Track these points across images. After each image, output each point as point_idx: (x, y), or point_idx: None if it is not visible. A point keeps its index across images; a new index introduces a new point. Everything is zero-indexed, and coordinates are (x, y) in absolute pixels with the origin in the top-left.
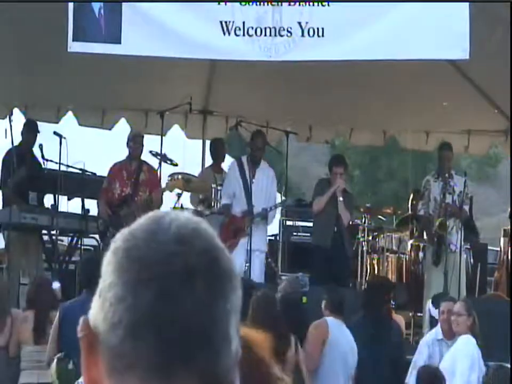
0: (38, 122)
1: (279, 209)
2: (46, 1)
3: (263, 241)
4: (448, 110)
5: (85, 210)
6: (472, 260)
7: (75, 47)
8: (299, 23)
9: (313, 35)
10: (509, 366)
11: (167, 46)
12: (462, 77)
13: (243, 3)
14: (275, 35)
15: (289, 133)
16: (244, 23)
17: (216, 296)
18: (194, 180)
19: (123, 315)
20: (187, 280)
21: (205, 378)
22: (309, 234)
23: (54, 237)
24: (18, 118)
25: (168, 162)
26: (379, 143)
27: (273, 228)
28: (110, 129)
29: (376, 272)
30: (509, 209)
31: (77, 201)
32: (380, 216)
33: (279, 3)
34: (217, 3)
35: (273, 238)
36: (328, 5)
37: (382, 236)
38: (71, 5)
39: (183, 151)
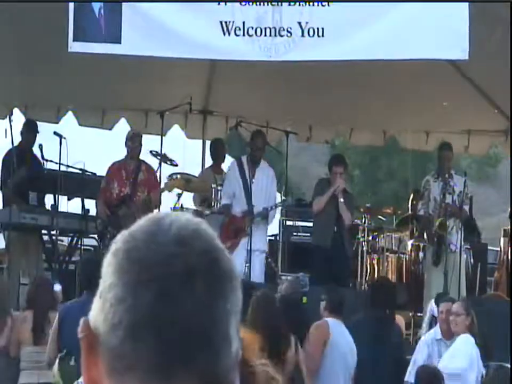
0: (38, 122)
1: (279, 209)
2: (46, 1)
3: (263, 241)
4: (448, 110)
5: (85, 210)
6: (472, 260)
7: (75, 47)
8: (299, 23)
9: (313, 35)
10: (509, 366)
11: (167, 46)
12: (462, 77)
13: (243, 3)
14: (275, 35)
15: (289, 133)
16: (243, 23)
17: (216, 296)
18: (194, 180)
19: (123, 316)
20: (187, 281)
21: (205, 379)
22: (309, 234)
23: (54, 237)
24: (18, 118)
25: (168, 163)
26: (379, 143)
27: (273, 227)
28: (110, 129)
29: (376, 272)
30: (509, 209)
31: (77, 201)
32: (379, 216)
33: (279, 3)
34: (217, 3)
35: (273, 238)
36: (328, 5)
37: (382, 235)
38: (71, 5)
39: (183, 151)
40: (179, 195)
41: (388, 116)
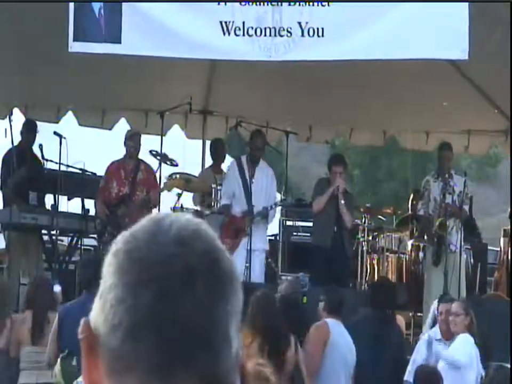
0: (38, 122)
1: (279, 209)
2: (46, 1)
3: (264, 241)
4: (448, 110)
5: (85, 210)
6: (472, 260)
7: (75, 47)
8: (299, 23)
9: (313, 35)
10: (509, 366)
11: (167, 46)
12: (461, 77)
13: (243, 3)
14: (275, 35)
15: (289, 133)
16: (243, 23)
17: (217, 297)
18: (194, 180)
19: (123, 317)
20: (187, 281)
21: (205, 379)
22: (309, 234)
23: (54, 237)
24: (18, 118)
25: (168, 163)
26: (379, 143)
27: (273, 228)
28: (110, 129)
29: (376, 272)
30: (509, 209)
31: (77, 201)
32: (380, 216)
33: (279, 3)
34: (217, 3)
35: (273, 238)
36: (328, 5)
37: (382, 236)
38: (71, 5)
39: (183, 151)
40: (179, 195)
41: (387, 115)
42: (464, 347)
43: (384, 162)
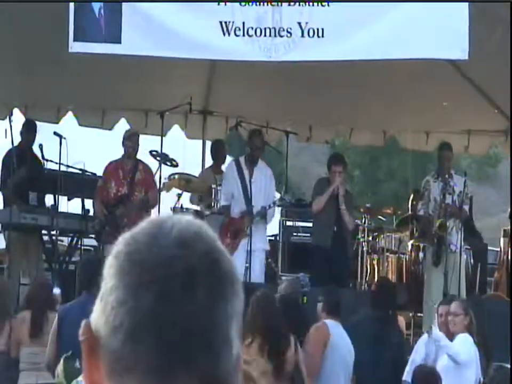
0: (38, 123)
1: (278, 209)
2: (46, 1)
3: (263, 241)
4: (448, 110)
5: (85, 211)
6: (472, 260)
7: (76, 47)
8: (299, 23)
9: (313, 35)
10: (509, 366)
11: (167, 46)
12: (462, 77)
13: (243, 3)
14: (275, 35)
15: (289, 133)
16: (243, 23)
17: (217, 299)
18: (194, 180)
19: (124, 319)
20: (188, 282)
21: (206, 381)
22: (309, 235)
23: (54, 237)
24: (18, 118)
25: (168, 163)
26: (379, 143)
27: (273, 228)
28: (110, 129)
29: (376, 272)
30: (509, 209)
31: (77, 201)
32: (380, 216)
33: (279, 3)
34: (217, 3)
35: (273, 238)
36: (328, 5)
37: (382, 236)
38: (71, 5)
39: (183, 151)
40: (179, 195)
41: (387, 115)
42: (464, 346)
43: (384, 162)
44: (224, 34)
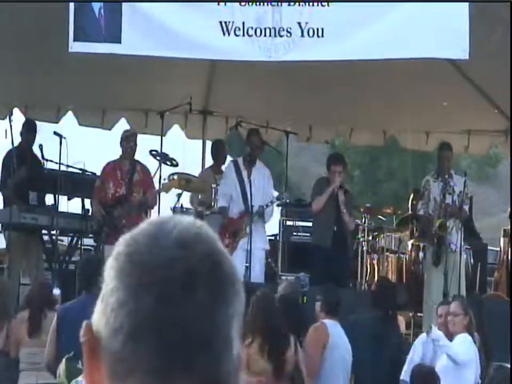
0: (38, 122)
1: (278, 209)
2: (46, 1)
3: (263, 240)
4: (448, 110)
5: (85, 210)
6: (472, 260)
7: (76, 47)
8: (299, 23)
9: (312, 35)
10: (509, 366)
11: (167, 46)
12: (462, 76)
13: (243, 3)
14: (275, 35)
15: (289, 133)
16: (243, 23)
17: (218, 300)
18: (194, 180)
19: (124, 320)
20: (188, 284)
21: (206, 382)
22: (309, 234)
23: (54, 237)
24: (18, 118)
25: (168, 163)
26: (379, 143)
27: (273, 228)
28: (110, 129)
29: (376, 272)
30: (509, 209)
31: (77, 201)
32: (380, 216)
33: (279, 3)
34: (217, 3)
35: (273, 238)
36: (328, 5)
37: (382, 235)
38: (71, 5)
39: (183, 151)
40: (179, 195)
41: (387, 115)
42: (463, 346)
43: (384, 162)
44: (224, 34)
